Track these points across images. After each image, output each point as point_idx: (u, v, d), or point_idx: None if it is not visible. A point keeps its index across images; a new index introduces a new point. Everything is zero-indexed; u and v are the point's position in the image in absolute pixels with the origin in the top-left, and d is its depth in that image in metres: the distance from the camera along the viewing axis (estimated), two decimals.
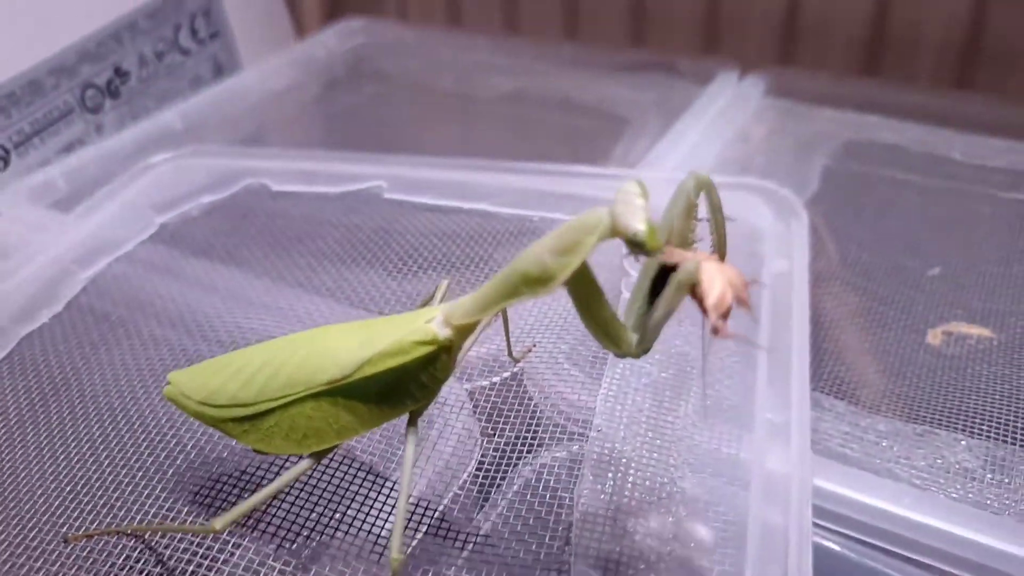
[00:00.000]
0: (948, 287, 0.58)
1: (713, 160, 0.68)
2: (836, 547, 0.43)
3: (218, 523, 0.34)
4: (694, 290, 0.28)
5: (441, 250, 0.55)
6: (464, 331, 0.33)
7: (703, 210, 0.32)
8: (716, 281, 0.28)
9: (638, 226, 0.28)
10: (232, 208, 0.61)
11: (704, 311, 0.28)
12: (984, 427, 0.47)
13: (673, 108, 0.75)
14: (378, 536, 0.38)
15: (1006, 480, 0.43)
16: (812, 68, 0.78)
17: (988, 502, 0.42)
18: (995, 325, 0.54)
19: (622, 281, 0.48)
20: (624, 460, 0.38)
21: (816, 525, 0.42)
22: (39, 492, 0.40)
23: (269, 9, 1.02)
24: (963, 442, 0.45)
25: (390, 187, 0.59)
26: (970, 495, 0.43)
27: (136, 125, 0.81)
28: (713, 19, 0.86)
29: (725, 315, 0.28)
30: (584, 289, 0.30)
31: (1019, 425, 0.46)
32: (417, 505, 0.39)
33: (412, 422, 0.35)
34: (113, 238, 0.57)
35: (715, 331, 0.27)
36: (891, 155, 0.70)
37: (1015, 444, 0.45)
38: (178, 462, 0.41)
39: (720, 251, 0.31)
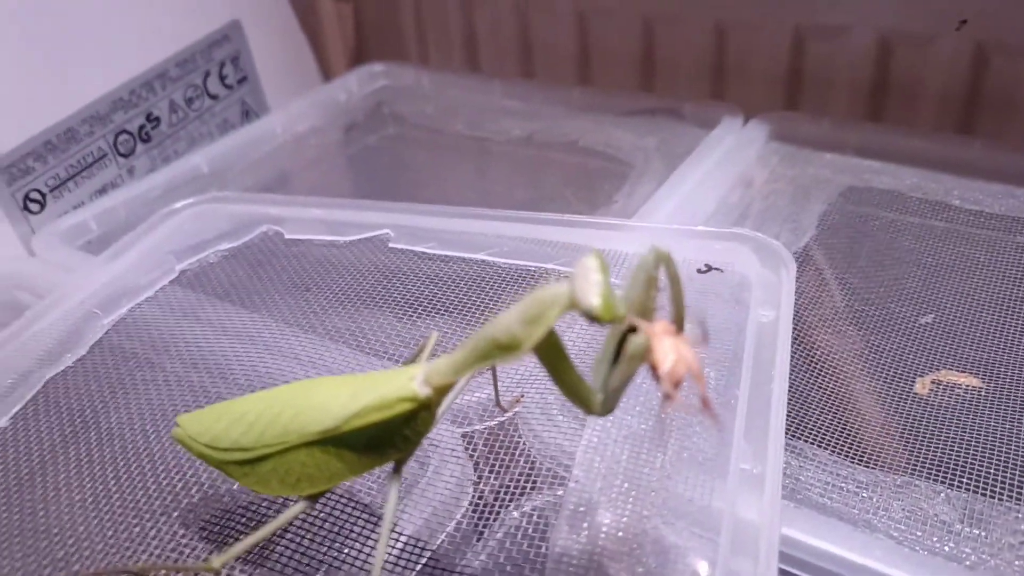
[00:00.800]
0: (940, 335, 0.58)
1: (714, 205, 0.70)
2: None
3: (216, 561, 0.36)
4: (648, 359, 0.30)
5: (441, 297, 0.57)
6: (443, 390, 0.35)
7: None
8: (668, 355, 0.30)
9: (593, 301, 0.30)
10: (248, 255, 0.64)
11: (657, 380, 0.30)
12: (965, 479, 0.47)
13: (677, 152, 0.77)
14: (369, 573, 0.40)
15: (983, 534, 0.44)
16: (816, 114, 0.80)
17: (963, 555, 0.43)
18: (985, 374, 0.55)
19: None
20: (599, 510, 0.40)
21: None
22: (55, 531, 0.43)
23: (296, 55, 1.06)
24: (942, 494, 0.46)
25: (396, 236, 0.62)
26: (946, 548, 0.43)
27: (164, 169, 0.85)
28: (720, 66, 0.88)
29: (677, 384, 0.30)
30: (551, 354, 0.33)
31: (999, 477, 0.47)
32: (406, 546, 0.41)
33: (396, 470, 0.37)
34: (135, 283, 0.61)
35: (667, 397, 0.29)
36: (890, 200, 0.71)
37: (994, 497, 0.46)
38: (183, 503, 0.43)
39: (678, 320, 0.33)
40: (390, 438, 0.36)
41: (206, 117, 0.94)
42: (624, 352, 0.30)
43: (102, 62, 0.82)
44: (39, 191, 0.78)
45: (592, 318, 0.30)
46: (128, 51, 0.84)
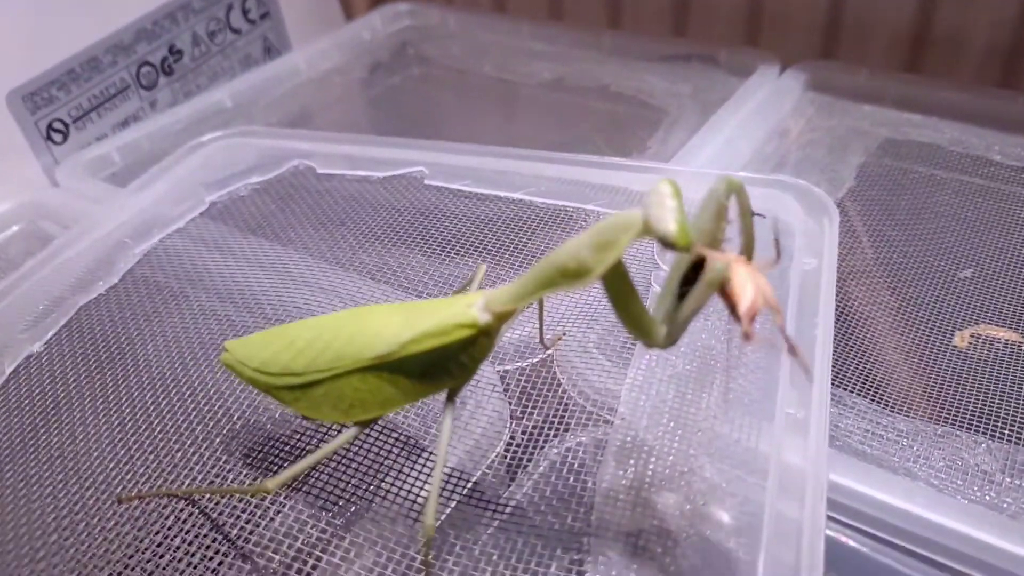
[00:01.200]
0: (979, 289, 0.58)
1: (749, 154, 0.69)
2: (851, 542, 0.44)
3: (270, 484, 0.36)
4: (723, 290, 0.30)
5: (478, 236, 0.56)
6: (503, 317, 0.35)
7: (733, 212, 0.33)
8: (747, 286, 0.29)
9: (670, 227, 0.29)
10: (279, 188, 0.63)
11: (734, 315, 0.29)
12: (1006, 430, 0.47)
13: (712, 100, 0.76)
14: (414, 502, 0.40)
15: None
16: (854, 64, 0.78)
17: (1005, 505, 0.43)
18: None
19: (652, 275, 0.49)
20: (646, 448, 0.39)
21: (833, 519, 0.43)
22: (95, 454, 0.43)
23: None
24: (983, 444, 0.46)
25: (431, 173, 0.61)
26: (987, 497, 0.44)
27: (188, 102, 0.84)
28: (756, 12, 0.86)
29: (755, 318, 0.29)
30: (618, 283, 0.32)
31: None
32: (451, 477, 0.41)
33: (450, 398, 0.36)
34: (165, 214, 0.60)
35: (747, 336, 0.29)
36: (929, 154, 0.70)
37: None
38: (224, 430, 0.43)
39: (748, 252, 0.32)
40: (446, 364, 0.35)
41: (228, 52, 0.92)
42: (700, 280, 0.29)
43: None
44: (62, 121, 0.77)
45: (667, 244, 0.29)
46: None
